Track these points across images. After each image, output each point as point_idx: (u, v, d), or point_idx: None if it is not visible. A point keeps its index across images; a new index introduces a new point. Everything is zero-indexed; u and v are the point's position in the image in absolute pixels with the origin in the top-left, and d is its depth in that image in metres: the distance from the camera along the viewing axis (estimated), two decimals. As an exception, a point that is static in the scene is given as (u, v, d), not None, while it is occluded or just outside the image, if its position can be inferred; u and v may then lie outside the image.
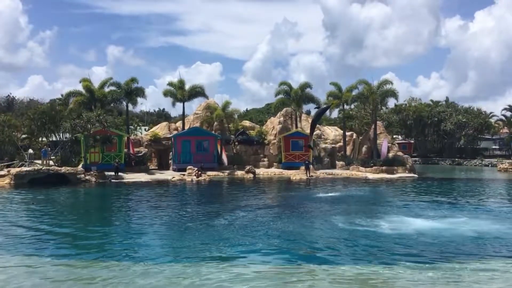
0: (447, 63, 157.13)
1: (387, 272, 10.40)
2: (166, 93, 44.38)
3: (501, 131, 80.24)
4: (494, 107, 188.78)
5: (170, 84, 44.53)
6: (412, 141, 74.25)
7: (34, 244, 13.20)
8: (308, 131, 46.13)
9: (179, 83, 44.18)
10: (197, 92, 44.58)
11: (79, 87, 41.68)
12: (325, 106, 38.62)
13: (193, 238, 13.77)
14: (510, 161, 52.69)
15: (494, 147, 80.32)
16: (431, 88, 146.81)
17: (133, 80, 42.02)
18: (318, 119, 31.28)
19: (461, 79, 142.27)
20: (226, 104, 44.64)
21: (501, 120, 78.85)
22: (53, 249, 12.63)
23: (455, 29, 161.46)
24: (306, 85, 46.11)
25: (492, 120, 77.48)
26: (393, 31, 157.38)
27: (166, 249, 12.61)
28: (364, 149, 45.03)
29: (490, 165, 57.29)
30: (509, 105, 77.72)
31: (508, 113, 77.67)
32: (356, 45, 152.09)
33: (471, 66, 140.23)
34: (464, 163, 62.11)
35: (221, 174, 38.38)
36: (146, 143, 44.14)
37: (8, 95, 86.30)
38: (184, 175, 35.90)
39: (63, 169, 31.91)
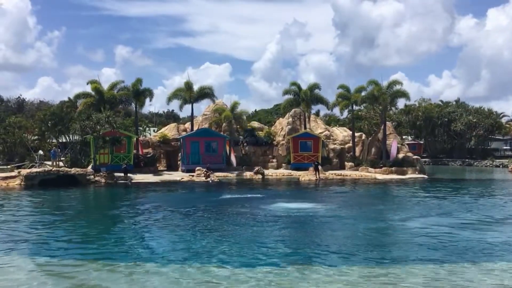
0: (459, 62, 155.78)
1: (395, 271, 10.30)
2: (171, 98, 45.07)
3: (512, 131, 79.49)
4: (507, 107, 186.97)
5: (179, 90, 44.73)
6: (422, 142, 73.72)
7: (45, 245, 13.25)
8: (316, 131, 46.12)
9: (187, 85, 44.31)
10: (206, 93, 44.72)
11: (88, 89, 42.11)
12: None
13: (205, 240, 13.74)
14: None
15: (505, 147, 79.44)
16: (443, 88, 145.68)
17: (139, 81, 42.54)
18: None
19: (474, 78, 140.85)
20: (235, 105, 44.62)
21: (512, 120, 78.16)
22: (65, 250, 12.65)
23: (467, 27, 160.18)
24: (315, 86, 45.97)
25: (503, 120, 76.77)
26: (405, 29, 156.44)
27: (175, 251, 12.56)
28: (373, 150, 44.76)
29: (501, 166, 56.69)
30: (520, 105, 76.84)
31: (519, 114, 76.90)
32: (367, 44, 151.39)
33: (483, 65, 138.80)
34: (475, 164, 61.50)
35: (230, 175, 38.34)
36: (155, 144, 44.26)
37: (19, 96, 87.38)
38: (193, 176, 35.94)
39: (73, 170, 32.11)
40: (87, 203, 24.73)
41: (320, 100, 46.18)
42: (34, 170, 31.90)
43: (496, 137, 76.48)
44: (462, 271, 10.50)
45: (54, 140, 40.73)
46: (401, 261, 11.37)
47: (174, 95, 44.84)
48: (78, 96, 42.70)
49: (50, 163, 36.77)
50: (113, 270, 10.65)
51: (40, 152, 39.37)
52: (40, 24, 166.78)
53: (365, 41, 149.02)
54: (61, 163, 36.66)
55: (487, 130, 68.19)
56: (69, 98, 44.28)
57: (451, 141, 72.08)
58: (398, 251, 12.41)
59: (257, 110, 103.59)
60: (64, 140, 39.33)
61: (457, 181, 37.87)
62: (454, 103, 77.97)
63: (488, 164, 60.12)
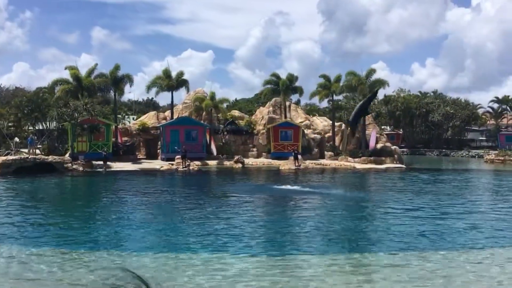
0: (443, 51, 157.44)
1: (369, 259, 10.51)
2: (150, 86, 44.49)
3: (488, 122, 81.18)
4: (491, 98, 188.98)
5: (158, 78, 44.03)
6: (401, 132, 74.72)
7: (21, 234, 13.07)
8: (297, 121, 46.29)
9: (165, 72, 43.79)
10: (183, 80, 44.32)
11: (65, 75, 41.17)
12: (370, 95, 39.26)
13: (184, 229, 13.77)
14: (497, 152, 53.30)
15: (481, 138, 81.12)
16: (427, 77, 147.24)
17: (117, 67, 41.68)
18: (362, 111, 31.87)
19: (458, 68, 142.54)
20: (214, 94, 44.24)
21: (488, 112, 79.82)
22: (42, 239, 12.50)
23: (453, 16, 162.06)
24: (293, 76, 46.28)
25: (480, 111, 78.36)
26: (391, 18, 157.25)
27: (150, 239, 12.55)
28: (352, 139, 45.18)
29: (476, 156, 57.92)
30: (496, 97, 78.75)
31: (495, 105, 78.68)
32: (353, 31, 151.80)
33: (468, 55, 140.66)
34: (451, 154, 62.68)
35: (209, 164, 38.26)
36: (134, 132, 43.83)
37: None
38: (172, 164, 35.78)
39: (50, 158, 31.60)
40: (63, 192, 24.43)
41: (297, 90, 46.46)
42: (10, 157, 31.28)
43: (473, 128, 78.03)
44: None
45: (31, 128, 39.90)
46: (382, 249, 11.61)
47: (154, 83, 44.26)
48: (55, 83, 41.72)
49: (26, 150, 36.10)
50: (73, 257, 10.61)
51: (16, 139, 38.56)
52: (12, 5, 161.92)
53: (350, 29, 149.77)
54: (38, 151, 36.03)
55: (464, 121, 69.53)
56: (48, 83, 43.10)
57: (428, 131, 73.29)
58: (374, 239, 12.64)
59: (237, 99, 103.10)
60: (41, 127, 38.57)
61: (433, 171, 38.57)
62: (431, 94, 79.17)
63: (464, 154, 61.38)
